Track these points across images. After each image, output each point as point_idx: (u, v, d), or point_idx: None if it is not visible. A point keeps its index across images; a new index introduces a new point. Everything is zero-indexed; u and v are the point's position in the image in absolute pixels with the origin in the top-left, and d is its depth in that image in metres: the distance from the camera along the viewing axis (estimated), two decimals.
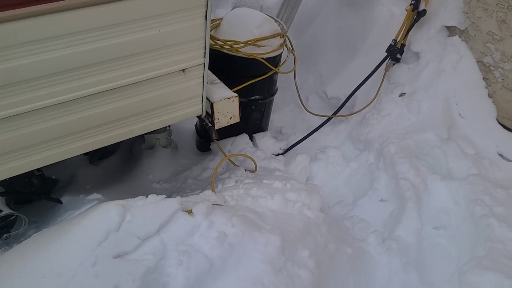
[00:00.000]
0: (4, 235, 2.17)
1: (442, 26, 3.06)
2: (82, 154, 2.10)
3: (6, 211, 2.14)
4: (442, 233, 2.32)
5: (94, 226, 1.54)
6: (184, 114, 2.30)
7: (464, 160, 2.62)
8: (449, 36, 3.06)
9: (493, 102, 2.89)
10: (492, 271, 1.90)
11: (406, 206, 2.38)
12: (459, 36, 2.99)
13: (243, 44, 2.62)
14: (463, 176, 2.48)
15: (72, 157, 2.04)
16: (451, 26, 3.03)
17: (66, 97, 1.82)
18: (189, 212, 1.70)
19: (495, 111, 2.87)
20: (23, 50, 1.60)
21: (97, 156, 2.88)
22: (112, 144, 2.16)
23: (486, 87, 2.90)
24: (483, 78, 2.91)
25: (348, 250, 2.11)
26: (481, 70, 2.91)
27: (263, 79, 2.80)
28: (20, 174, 1.92)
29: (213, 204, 1.83)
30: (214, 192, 2.18)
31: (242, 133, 3.12)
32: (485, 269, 1.91)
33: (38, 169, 2.42)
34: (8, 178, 1.90)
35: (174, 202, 1.69)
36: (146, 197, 1.73)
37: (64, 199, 2.42)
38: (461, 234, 2.26)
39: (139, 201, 1.69)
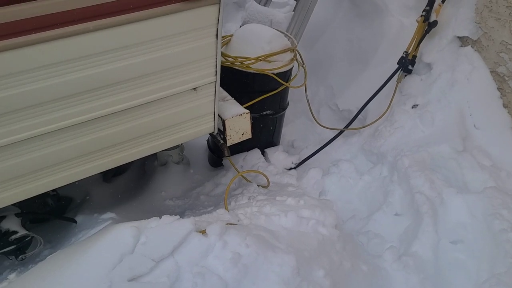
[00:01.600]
0: (20, 256, 2.18)
1: (454, 36, 3.04)
2: None
3: (22, 232, 2.16)
4: (460, 248, 2.28)
5: (108, 249, 1.54)
6: (196, 132, 2.31)
7: (481, 172, 2.57)
8: (461, 46, 3.04)
9: (508, 112, 2.84)
10: None
11: (422, 220, 2.34)
12: (471, 46, 2.96)
13: (254, 60, 2.63)
14: (480, 189, 2.44)
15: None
16: (463, 37, 3.00)
17: (79, 119, 1.84)
18: (203, 232, 1.70)
19: (511, 121, 2.82)
20: (36, 75, 1.62)
21: (110, 174, 2.90)
22: None
23: (501, 97, 2.86)
24: (498, 88, 2.86)
25: (363, 268, 2.08)
26: (495, 80, 2.87)
27: (274, 94, 2.80)
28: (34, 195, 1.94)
29: (227, 224, 1.82)
30: (227, 210, 2.18)
31: (254, 148, 3.11)
32: (507, 286, 1.87)
33: (53, 189, 2.44)
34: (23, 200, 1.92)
35: (188, 223, 1.69)
36: (160, 217, 1.73)
37: (78, 219, 2.43)
38: (479, 249, 2.21)
39: (153, 222, 1.69)
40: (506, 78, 2.79)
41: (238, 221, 2.03)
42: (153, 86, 1.96)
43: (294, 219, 2.05)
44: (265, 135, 3.12)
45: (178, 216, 1.74)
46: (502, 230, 2.12)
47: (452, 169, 2.65)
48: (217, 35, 1.99)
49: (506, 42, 2.72)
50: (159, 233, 1.63)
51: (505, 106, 2.85)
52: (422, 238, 2.28)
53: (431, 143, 2.80)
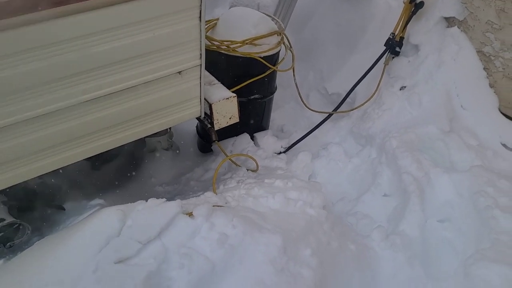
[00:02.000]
0: (8, 244, 2.18)
1: (440, 17, 3.03)
2: (84, 159, 2.10)
3: (9, 219, 2.15)
4: (447, 226, 2.30)
5: (94, 233, 1.54)
6: (183, 116, 2.30)
7: (467, 152, 2.59)
8: (448, 27, 3.04)
9: (494, 92, 2.85)
10: (497, 263, 1.88)
11: (410, 200, 2.36)
12: (458, 26, 2.96)
13: (240, 44, 2.61)
14: (466, 168, 2.46)
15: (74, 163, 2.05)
16: (450, 17, 3.00)
17: (64, 104, 1.83)
18: (190, 214, 1.70)
19: (497, 101, 2.84)
20: (18, 58, 1.61)
21: (99, 161, 2.89)
22: (113, 149, 2.16)
23: (487, 77, 2.87)
24: (484, 68, 2.87)
25: (351, 247, 2.10)
26: (481, 60, 2.88)
27: (261, 77, 2.79)
28: (22, 182, 1.93)
29: (214, 206, 1.83)
30: (216, 193, 2.18)
31: (243, 132, 3.11)
32: (490, 261, 1.89)
33: (40, 176, 2.42)
34: (10, 186, 1.91)
35: (174, 205, 1.69)
36: (146, 201, 1.73)
37: (66, 206, 2.43)
38: (465, 226, 2.24)
39: (139, 205, 1.69)
40: (492, 58, 2.80)
41: (226, 203, 2.04)
42: (137, 69, 1.95)
43: (281, 201, 2.06)
44: (253, 120, 3.12)
45: (164, 199, 1.74)
46: (487, 207, 2.15)
47: (439, 150, 2.67)
48: (200, 17, 1.97)
49: (492, 22, 2.72)
50: (146, 216, 1.63)
51: (491, 86, 2.86)
52: (409, 218, 2.30)
53: (418, 124, 2.82)
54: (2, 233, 2.13)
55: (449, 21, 3.03)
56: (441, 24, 3.05)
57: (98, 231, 1.56)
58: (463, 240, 2.21)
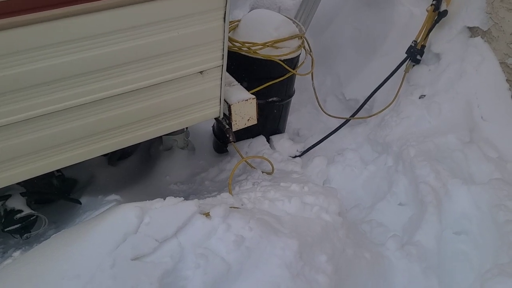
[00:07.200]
0: (25, 235, 2.20)
1: (464, 26, 3.00)
2: (101, 155, 2.12)
3: (27, 211, 2.17)
4: (463, 239, 2.27)
5: (112, 228, 1.54)
6: (202, 116, 2.30)
7: (487, 164, 2.56)
8: (471, 37, 3.00)
9: None
10: None
11: (426, 210, 2.33)
12: (481, 37, 2.93)
13: (261, 46, 2.61)
14: (486, 181, 2.42)
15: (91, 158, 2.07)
16: (473, 27, 2.96)
17: (85, 99, 1.84)
18: (207, 214, 1.70)
19: None
20: (43, 53, 1.62)
21: (115, 157, 2.91)
22: (130, 145, 2.17)
23: (510, 89, 2.83)
24: (507, 80, 2.84)
25: (366, 255, 2.08)
26: (504, 72, 2.84)
27: (280, 80, 2.79)
28: (40, 175, 1.95)
29: (231, 207, 1.82)
30: (231, 194, 2.18)
31: (259, 134, 3.11)
32: (509, 276, 1.86)
33: (58, 170, 2.45)
34: (29, 179, 1.93)
35: (192, 205, 1.69)
36: (164, 199, 1.73)
37: (83, 200, 2.45)
38: (483, 240, 2.21)
39: (157, 203, 1.69)
40: None
41: (242, 205, 2.03)
42: (160, 68, 1.96)
43: (298, 205, 2.05)
44: (270, 122, 3.12)
45: (182, 198, 1.74)
46: (506, 222, 2.11)
47: (458, 160, 2.63)
48: (224, 18, 1.98)
49: None
50: (163, 214, 1.63)
51: None
52: (425, 228, 2.27)
53: (437, 133, 2.79)
54: (20, 224, 2.16)
55: (473, 31, 2.99)
56: (464, 34, 3.02)
57: (115, 227, 1.56)
58: (480, 253, 2.18)
